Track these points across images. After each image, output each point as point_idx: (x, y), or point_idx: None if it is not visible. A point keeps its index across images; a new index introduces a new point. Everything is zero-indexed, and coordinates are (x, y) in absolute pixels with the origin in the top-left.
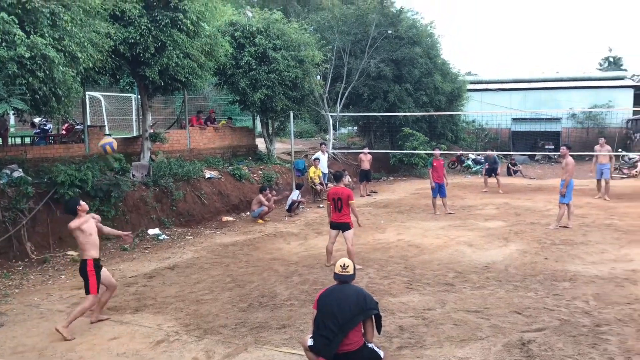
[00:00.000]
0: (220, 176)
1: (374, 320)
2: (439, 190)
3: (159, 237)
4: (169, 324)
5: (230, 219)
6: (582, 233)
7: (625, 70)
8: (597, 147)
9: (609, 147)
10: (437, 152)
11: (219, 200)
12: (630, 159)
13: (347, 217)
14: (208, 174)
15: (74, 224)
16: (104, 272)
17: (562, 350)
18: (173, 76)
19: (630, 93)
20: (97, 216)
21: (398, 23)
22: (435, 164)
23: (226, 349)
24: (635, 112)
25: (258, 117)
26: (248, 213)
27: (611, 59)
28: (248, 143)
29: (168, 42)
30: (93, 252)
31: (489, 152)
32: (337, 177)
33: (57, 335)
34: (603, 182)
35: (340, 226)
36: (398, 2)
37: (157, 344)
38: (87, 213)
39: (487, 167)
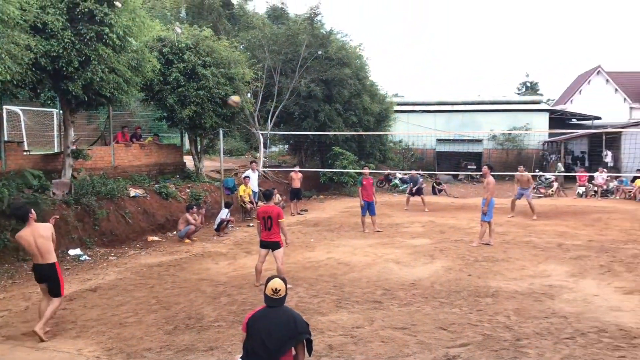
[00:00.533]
0: (145, 194)
1: (305, 344)
2: (368, 208)
3: (80, 258)
4: (90, 349)
5: (156, 238)
6: (503, 250)
7: (541, 94)
8: (517, 174)
9: (528, 175)
10: (367, 170)
11: (145, 220)
12: (546, 179)
13: (277, 235)
14: (133, 192)
15: (41, 230)
16: None
17: None
18: (97, 91)
19: (545, 116)
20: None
21: (328, 44)
22: (364, 183)
23: None
24: (550, 135)
25: (186, 134)
26: (175, 232)
27: (528, 84)
28: (175, 160)
29: (93, 56)
30: (54, 255)
31: (413, 172)
32: (266, 195)
33: None
34: (519, 202)
35: (270, 245)
36: (328, 24)
37: None
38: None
39: (411, 186)
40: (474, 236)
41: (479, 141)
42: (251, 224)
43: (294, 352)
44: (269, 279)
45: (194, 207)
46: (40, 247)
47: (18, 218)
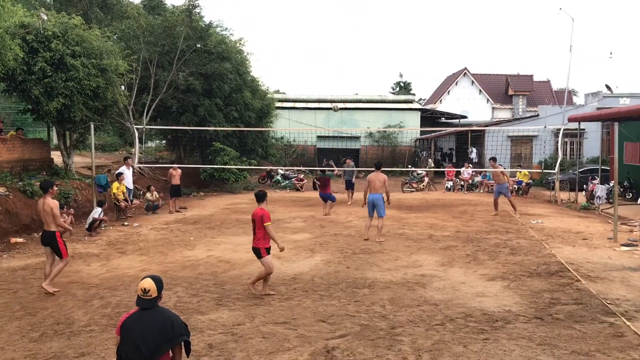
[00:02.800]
0: (8, 193)
1: (183, 346)
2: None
3: None
4: None
5: (21, 240)
6: (378, 242)
7: (414, 94)
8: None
9: (501, 168)
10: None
11: (7, 220)
12: (418, 174)
13: (260, 242)
14: None
15: (45, 205)
16: None
17: (363, 354)
18: None
19: (417, 115)
20: None
21: (207, 37)
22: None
23: None
24: (422, 132)
25: (54, 128)
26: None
27: (402, 84)
28: (42, 156)
29: None
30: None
31: (348, 161)
32: (258, 196)
33: None
34: (503, 200)
35: (254, 251)
36: (208, 17)
37: None
38: None
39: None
40: (352, 230)
41: (357, 138)
42: (126, 223)
43: (171, 354)
44: (143, 278)
45: (64, 207)
46: (44, 216)
47: (42, 188)
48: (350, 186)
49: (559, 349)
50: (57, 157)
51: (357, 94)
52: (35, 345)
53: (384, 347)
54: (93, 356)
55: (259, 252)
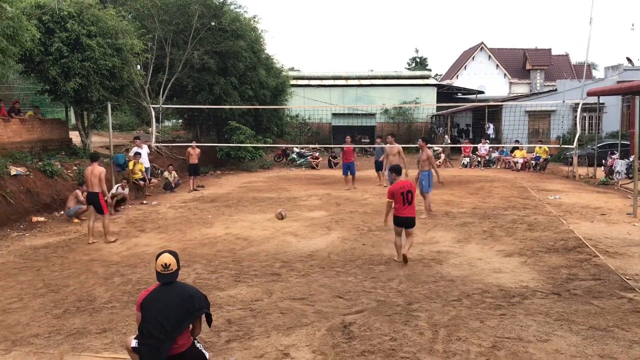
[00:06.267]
0: (28, 173)
1: (204, 318)
2: (348, 168)
3: None
4: None
5: (42, 219)
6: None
7: (430, 70)
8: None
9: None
10: (348, 139)
11: (28, 199)
12: (434, 151)
13: (415, 211)
14: (14, 170)
15: (96, 170)
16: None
17: (379, 329)
18: None
19: (434, 91)
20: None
21: (221, 15)
22: (345, 149)
23: None
24: (438, 109)
25: (72, 109)
26: (62, 212)
27: (418, 59)
28: (61, 136)
29: None
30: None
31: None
32: (397, 170)
33: None
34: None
35: (410, 221)
36: None
37: None
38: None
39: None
40: (368, 207)
41: (372, 115)
42: (145, 202)
43: (191, 326)
44: (159, 255)
45: (84, 184)
46: (92, 180)
47: (91, 159)
48: (380, 167)
49: (577, 324)
50: (75, 137)
51: (372, 70)
52: (59, 322)
53: (401, 323)
54: (114, 332)
55: (414, 220)
